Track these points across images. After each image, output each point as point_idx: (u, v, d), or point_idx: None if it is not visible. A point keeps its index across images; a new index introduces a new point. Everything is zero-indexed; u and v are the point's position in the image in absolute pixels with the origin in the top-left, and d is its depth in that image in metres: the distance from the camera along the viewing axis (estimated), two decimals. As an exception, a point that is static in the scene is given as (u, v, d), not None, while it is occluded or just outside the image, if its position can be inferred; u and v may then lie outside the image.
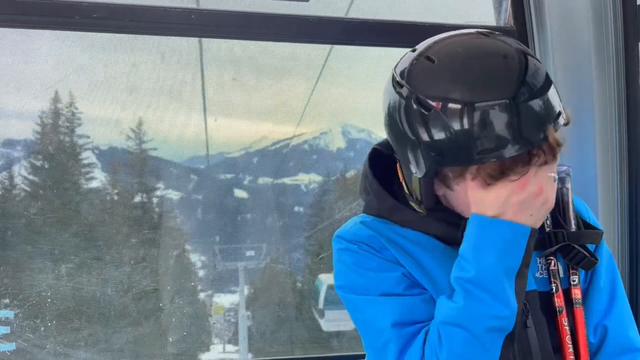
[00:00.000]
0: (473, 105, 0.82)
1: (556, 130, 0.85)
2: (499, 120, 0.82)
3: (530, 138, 0.83)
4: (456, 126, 0.83)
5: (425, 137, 0.86)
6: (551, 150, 0.85)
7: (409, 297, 0.99)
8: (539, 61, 0.90)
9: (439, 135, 0.85)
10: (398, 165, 1.03)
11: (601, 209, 1.54)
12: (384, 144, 1.09)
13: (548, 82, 0.87)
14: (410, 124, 0.88)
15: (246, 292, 2.94)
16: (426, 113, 0.85)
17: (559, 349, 1.06)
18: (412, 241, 1.03)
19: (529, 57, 0.87)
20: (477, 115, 0.82)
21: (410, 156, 0.91)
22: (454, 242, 0.99)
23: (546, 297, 1.07)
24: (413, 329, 0.97)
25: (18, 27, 1.63)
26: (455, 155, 0.85)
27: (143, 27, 1.55)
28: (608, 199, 1.55)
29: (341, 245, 1.06)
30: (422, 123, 0.86)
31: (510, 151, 0.82)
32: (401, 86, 0.89)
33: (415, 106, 0.86)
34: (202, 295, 2.79)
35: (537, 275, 1.07)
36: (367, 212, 1.10)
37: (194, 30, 1.58)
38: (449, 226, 1.00)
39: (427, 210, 0.99)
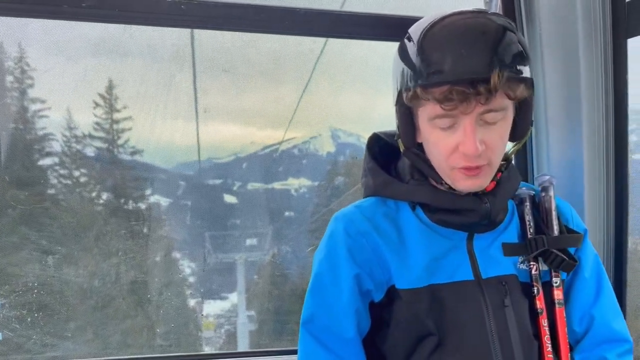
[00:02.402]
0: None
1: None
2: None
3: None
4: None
5: (400, 64, 1.04)
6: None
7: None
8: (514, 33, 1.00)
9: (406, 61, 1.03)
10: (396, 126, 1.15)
11: (587, 206, 1.56)
12: (386, 132, 1.22)
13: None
14: (397, 58, 1.07)
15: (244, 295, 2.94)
16: (405, 41, 1.05)
17: (538, 338, 1.11)
18: (401, 229, 1.12)
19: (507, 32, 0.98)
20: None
21: (393, 89, 1.09)
22: (440, 215, 1.10)
23: (527, 289, 1.12)
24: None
25: (3, 15, 1.61)
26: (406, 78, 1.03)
27: (132, 17, 1.53)
28: (594, 196, 1.58)
29: (332, 227, 1.15)
30: (401, 51, 1.05)
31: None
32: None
33: (405, 41, 1.05)
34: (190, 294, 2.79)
35: (520, 266, 1.13)
36: (365, 194, 1.19)
37: (184, 21, 1.56)
38: (433, 193, 1.10)
39: (406, 149, 1.11)
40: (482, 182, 1.05)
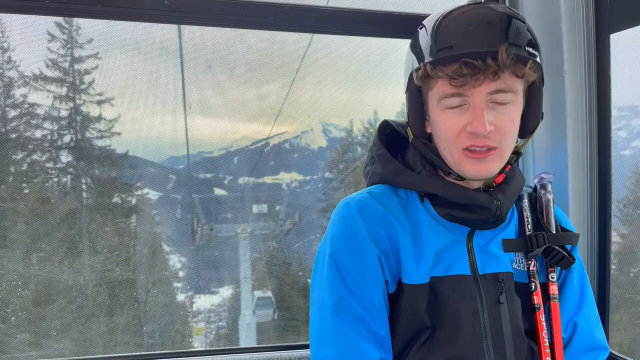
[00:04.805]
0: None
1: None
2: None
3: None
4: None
5: (410, 53, 1.07)
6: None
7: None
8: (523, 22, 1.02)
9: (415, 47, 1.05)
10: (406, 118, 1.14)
11: (571, 203, 1.58)
12: (395, 121, 1.21)
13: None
14: (408, 48, 1.09)
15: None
16: (418, 31, 1.06)
17: (533, 335, 1.12)
18: (412, 221, 1.10)
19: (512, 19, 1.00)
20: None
21: (404, 79, 1.09)
22: (449, 209, 1.08)
23: (522, 288, 1.13)
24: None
25: (-17, 10, 1.57)
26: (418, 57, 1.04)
27: (115, 13, 1.51)
28: (578, 192, 1.59)
29: (342, 212, 1.10)
30: (413, 39, 1.08)
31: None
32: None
33: (417, 31, 1.07)
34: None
35: (515, 266, 1.14)
36: (371, 181, 1.17)
37: (167, 17, 1.54)
38: (445, 185, 1.09)
39: (414, 136, 1.11)
40: (491, 167, 1.03)
